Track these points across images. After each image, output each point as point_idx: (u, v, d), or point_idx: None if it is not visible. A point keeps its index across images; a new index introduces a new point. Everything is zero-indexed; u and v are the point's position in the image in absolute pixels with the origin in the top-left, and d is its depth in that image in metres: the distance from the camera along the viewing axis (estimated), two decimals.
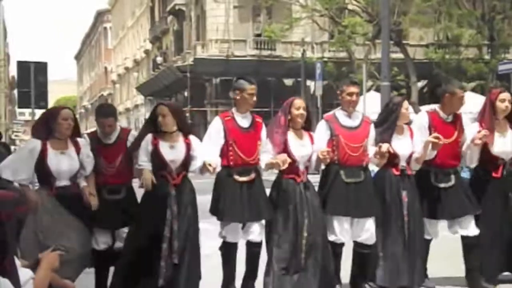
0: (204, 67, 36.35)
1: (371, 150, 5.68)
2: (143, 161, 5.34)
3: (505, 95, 5.91)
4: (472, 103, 9.42)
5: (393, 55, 26.88)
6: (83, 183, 5.39)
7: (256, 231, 5.49)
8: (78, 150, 5.34)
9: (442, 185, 5.81)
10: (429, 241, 5.94)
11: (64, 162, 5.22)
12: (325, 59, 31.67)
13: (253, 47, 37.23)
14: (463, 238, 5.88)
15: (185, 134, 5.42)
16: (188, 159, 5.35)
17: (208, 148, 5.41)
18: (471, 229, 5.85)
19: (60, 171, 5.20)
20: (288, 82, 35.45)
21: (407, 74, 28.18)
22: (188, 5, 42.23)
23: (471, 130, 5.89)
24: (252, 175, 5.45)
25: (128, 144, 5.51)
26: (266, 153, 5.50)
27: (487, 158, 5.90)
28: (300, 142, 5.55)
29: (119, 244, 5.50)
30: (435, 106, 6.09)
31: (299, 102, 5.55)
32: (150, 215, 5.26)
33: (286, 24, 31.25)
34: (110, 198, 5.43)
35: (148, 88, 47.38)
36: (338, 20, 29.23)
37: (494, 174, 5.90)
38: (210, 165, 5.23)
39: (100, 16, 76.19)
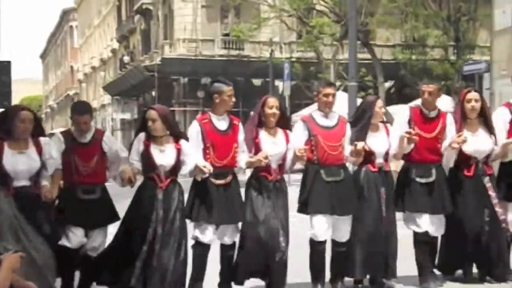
0: (172, 66, 36.16)
1: (348, 149, 5.79)
2: (134, 160, 5.44)
3: (471, 95, 6.01)
4: (439, 104, 9.47)
5: (361, 56, 27.02)
6: (44, 182, 5.30)
7: (229, 234, 5.58)
8: (39, 150, 5.25)
9: (423, 180, 5.90)
10: (424, 234, 5.97)
11: (21, 162, 5.13)
12: (293, 59, 31.72)
13: (221, 47, 37.15)
14: (419, 234, 5.95)
15: (175, 138, 5.45)
16: (178, 164, 5.40)
17: (193, 151, 5.49)
18: (436, 227, 5.99)
19: (17, 170, 5.11)
20: (257, 82, 35.45)
21: (375, 75, 28.38)
22: (156, 4, 41.95)
23: (451, 130, 5.98)
24: (228, 178, 5.52)
25: (103, 144, 5.48)
26: (244, 153, 5.58)
27: (459, 157, 5.99)
28: (273, 140, 5.64)
29: (90, 245, 5.48)
30: (418, 102, 6.27)
31: (272, 101, 5.66)
32: (137, 217, 5.33)
33: (254, 24, 31.22)
34: (85, 198, 5.41)
35: (115, 87, 46.97)
36: (306, 21, 29.30)
37: (466, 173, 5.99)
38: (205, 166, 5.28)
39: (66, 14, 75.29)
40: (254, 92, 31.84)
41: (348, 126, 5.88)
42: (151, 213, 5.27)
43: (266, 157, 5.42)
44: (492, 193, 5.98)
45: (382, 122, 6.00)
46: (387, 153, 5.90)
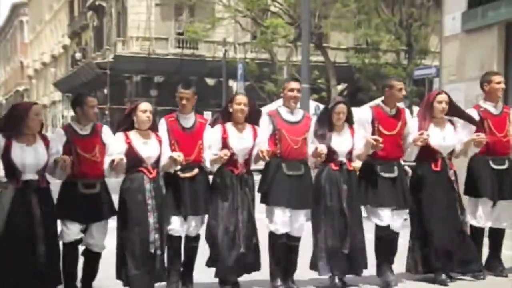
0: (125, 64, 35.82)
1: (310, 147, 5.90)
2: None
3: (442, 96, 6.29)
4: None
5: (314, 58, 27.29)
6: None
7: (194, 226, 5.74)
8: (47, 144, 5.26)
9: (387, 175, 6.06)
10: (385, 228, 6.10)
11: (29, 156, 5.14)
12: (248, 60, 31.75)
13: (175, 46, 36.95)
14: (381, 228, 6.09)
15: (154, 131, 5.65)
16: (160, 156, 5.57)
17: (166, 146, 5.68)
18: (398, 224, 6.16)
19: (26, 164, 5.10)
20: (210, 81, 35.38)
21: (328, 77, 28.62)
22: (109, 1, 41.48)
23: (413, 125, 6.22)
24: (195, 171, 5.69)
25: (103, 137, 5.58)
26: (209, 150, 5.73)
27: (426, 151, 6.19)
28: (240, 135, 5.79)
29: (90, 240, 5.53)
30: (378, 101, 6.39)
31: (240, 97, 5.85)
32: (132, 209, 5.44)
33: (208, 23, 31.15)
34: (85, 192, 5.43)
35: (66, 84, 46.27)
36: (260, 22, 29.37)
37: (434, 168, 6.21)
38: (179, 156, 5.44)
39: (16, 9, 73.85)
40: (208, 91, 31.76)
41: (312, 122, 6.03)
42: (146, 204, 5.42)
43: (226, 154, 5.56)
44: (455, 186, 6.24)
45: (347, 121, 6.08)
46: (349, 153, 6.00)
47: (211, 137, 5.75)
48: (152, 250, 5.38)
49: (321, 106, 21.75)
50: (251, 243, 5.72)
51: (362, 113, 6.27)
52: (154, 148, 5.55)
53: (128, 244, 5.41)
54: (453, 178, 6.24)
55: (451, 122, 6.36)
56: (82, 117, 5.55)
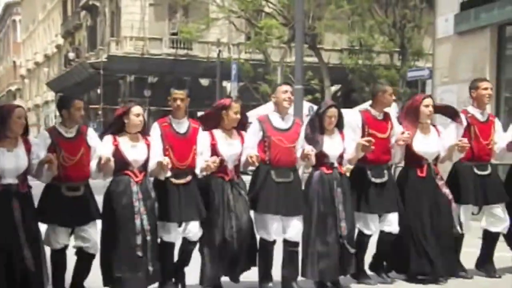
0: (118, 64, 35.76)
1: (299, 151, 5.88)
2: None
3: (428, 100, 6.32)
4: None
5: (308, 59, 27.32)
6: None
7: (194, 230, 5.68)
8: (28, 148, 5.20)
9: (378, 180, 6.09)
10: (369, 236, 6.15)
11: (9, 160, 5.06)
12: (242, 61, 31.76)
13: (169, 46, 36.92)
14: (386, 234, 6.13)
15: (143, 134, 5.59)
16: (148, 159, 5.52)
17: (155, 150, 5.62)
18: (395, 226, 6.16)
19: (4, 168, 5.03)
20: (204, 82, 35.38)
21: (321, 78, 28.66)
22: (102, 0, 41.41)
23: (399, 129, 6.25)
24: (188, 178, 5.64)
25: (88, 139, 5.54)
26: (203, 155, 5.69)
27: (412, 157, 6.24)
28: (229, 141, 5.75)
29: (79, 243, 5.49)
30: (366, 106, 6.41)
31: (237, 106, 5.77)
32: (117, 212, 5.40)
33: (202, 24, 31.14)
34: (69, 195, 5.39)
35: (59, 84, 46.11)
36: (255, 22, 29.39)
37: (419, 174, 6.25)
38: (168, 163, 5.41)
39: (9, 8, 73.56)
40: (202, 92, 31.76)
41: (302, 128, 5.99)
42: (132, 206, 5.38)
43: (215, 162, 5.54)
44: (446, 190, 6.26)
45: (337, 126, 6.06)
46: (341, 156, 5.99)
47: (202, 143, 5.71)
48: (140, 254, 5.33)
49: (315, 107, 21.72)
50: (247, 244, 5.69)
51: (352, 117, 6.27)
52: (142, 151, 5.50)
53: (113, 247, 5.36)
54: (441, 182, 6.27)
55: (436, 127, 6.41)
56: (68, 120, 5.49)
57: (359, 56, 31.34)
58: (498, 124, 6.64)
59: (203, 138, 5.74)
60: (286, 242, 5.89)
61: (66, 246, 5.50)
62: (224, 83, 32.33)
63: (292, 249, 5.89)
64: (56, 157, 5.22)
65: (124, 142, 5.48)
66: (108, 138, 5.51)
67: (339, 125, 6.03)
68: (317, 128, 5.92)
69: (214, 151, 5.68)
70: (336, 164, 5.95)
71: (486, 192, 6.39)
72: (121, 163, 5.42)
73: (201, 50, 36.26)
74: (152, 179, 5.61)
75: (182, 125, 5.74)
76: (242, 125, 5.88)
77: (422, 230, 6.16)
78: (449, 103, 12.28)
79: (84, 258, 5.54)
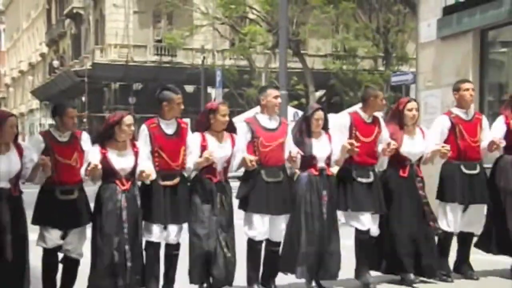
0: (103, 72, 35.66)
1: (286, 154, 5.96)
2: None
3: (412, 104, 6.43)
4: None
5: (293, 65, 27.37)
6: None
7: (174, 234, 5.70)
8: (20, 152, 5.23)
9: (364, 180, 6.17)
10: (366, 232, 6.18)
11: (2, 164, 5.09)
12: (226, 67, 31.76)
13: (153, 53, 36.88)
14: (362, 232, 6.18)
15: (132, 141, 5.56)
16: (136, 167, 5.51)
17: (143, 155, 5.62)
18: (375, 228, 6.23)
19: None
20: (189, 88, 35.30)
21: (306, 84, 28.71)
22: (87, 8, 41.30)
23: (386, 136, 6.32)
24: (176, 180, 5.65)
25: (82, 143, 5.58)
26: (191, 155, 5.72)
27: (395, 157, 6.30)
28: (219, 144, 5.78)
29: (68, 246, 5.53)
30: (356, 108, 6.51)
31: (224, 109, 5.79)
32: (103, 220, 5.41)
33: (187, 31, 31.12)
34: (63, 199, 5.42)
35: (44, 92, 45.92)
36: (239, 29, 29.42)
37: (401, 174, 6.33)
38: (144, 172, 5.42)
39: None
40: (187, 99, 31.67)
41: (289, 128, 6.09)
42: (115, 214, 5.39)
43: (208, 158, 5.58)
44: (422, 193, 6.33)
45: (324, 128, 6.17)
46: (328, 158, 6.08)
47: (192, 143, 5.74)
48: (117, 260, 5.33)
49: (300, 112, 21.81)
50: (233, 248, 5.75)
51: (341, 118, 6.38)
52: (129, 160, 5.49)
53: (96, 253, 5.39)
54: (420, 185, 6.35)
55: (421, 129, 6.51)
56: (61, 127, 5.55)
57: (344, 61, 31.44)
58: (485, 123, 6.70)
59: (192, 138, 5.76)
60: (268, 242, 5.97)
61: (58, 248, 5.51)
62: (209, 90, 32.29)
63: (273, 249, 6.00)
64: (50, 160, 5.26)
65: (112, 151, 5.46)
66: (96, 146, 5.49)
67: (325, 127, 6.12)
68: (305, 131, 6.02)
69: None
70: (324, 166, 6.03)
71: (473, 191, 6.45)
72: (108, 171, 5.41)
73: (186, 57, 36.22)
74: (139, 183, 5.61)
75: (171, 126, 5.72)
76: (232, 127, 5.90)
77: (400, 229, 6.23)
78: (433, 107, 12.35)
79: (68, 264, 5.56)
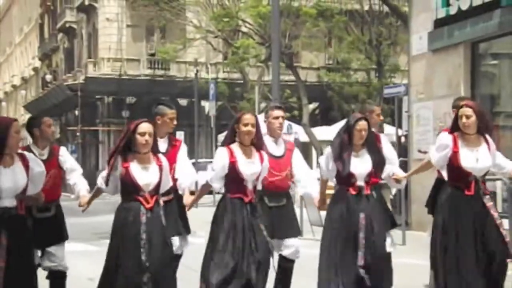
0: (96, 85, 35.67)
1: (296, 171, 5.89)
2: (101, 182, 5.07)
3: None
4: None
5: (286, 77, 27.43)
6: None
7: (175, 245, 5.56)
8: (26, 165, 4.69)
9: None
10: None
11: (6, 178, 4.55)
12: (219, 80, 31.82)
13: (146, 67, 36.91)
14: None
15: (154, 154, 5.06)
16: (161, 182, 5.00)
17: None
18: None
19: (1, 188, 4.51)
20: (182, 102, 35.33)
21: (299, 96, 28.75)
22: (79, 23, 41.35)
23: (389, 150, 6.25)
24: (170, 196, 5.51)
25: (61, 160, 5.49)
26: (207, 172, 5.53)
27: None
28: (249, 160, 5.28)
29: (47, 263, 5.47)
30: None
31: (247, 117, 5.25)
32: (121, 239, 4.90)
33: (179, 44, 31.19)
34: (40, 216, 5.36)
35: (37, 106, 45.78)
36: (231, 42, 29.49)
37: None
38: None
39: None
40: (180, 112, 31.64)
41: (295, 152, 5.91)
42: (136, 240, 4.85)
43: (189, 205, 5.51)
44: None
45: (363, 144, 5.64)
46: (369, 175, 5.55)
47: (217, 164, 5.28)
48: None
49: (293, 125, 21.88)
50: (262, 267, 5.26)
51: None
52: (154, 174, 4.95)
53: (112, 278, 4.83)
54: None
55: (486, 138, 5.53)
56: (40, 139, 5.48)
57: (337, 74, 31.56)
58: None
59: (217, 154, 5.34)
60: (282, 258, 5.90)
61: (37, 266, 5.31)
62: (202, 103, 32.31)
63: (287, 265, 5.91)
64: None
65: (134, 164, 4.91)
66: (118, 160, 4.95)
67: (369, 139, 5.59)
68: (347, 145, 5.50)
69: (233, 170, 5.22)
70: (363, 185, 5.52)
71: None
72: (131, 187, 4.88)
73: (179, 70, 36.29)
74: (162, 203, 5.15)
75: (163, 143, 5.57)
76: (258, 144, 5.38)
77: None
78: (425, 119, 12.43)
79: (56, 278, 5.50)
